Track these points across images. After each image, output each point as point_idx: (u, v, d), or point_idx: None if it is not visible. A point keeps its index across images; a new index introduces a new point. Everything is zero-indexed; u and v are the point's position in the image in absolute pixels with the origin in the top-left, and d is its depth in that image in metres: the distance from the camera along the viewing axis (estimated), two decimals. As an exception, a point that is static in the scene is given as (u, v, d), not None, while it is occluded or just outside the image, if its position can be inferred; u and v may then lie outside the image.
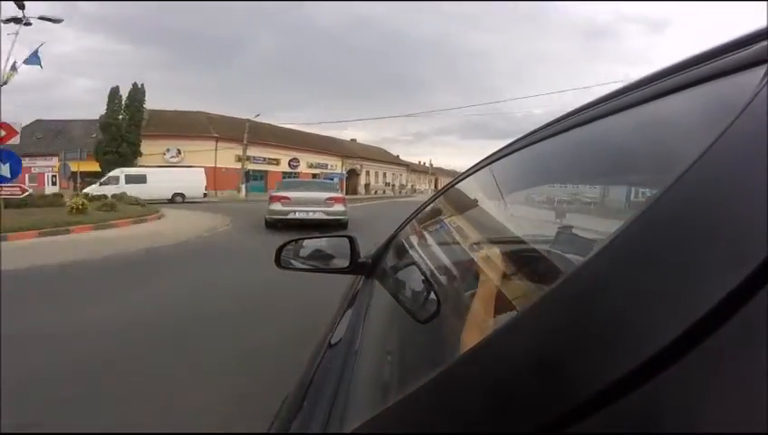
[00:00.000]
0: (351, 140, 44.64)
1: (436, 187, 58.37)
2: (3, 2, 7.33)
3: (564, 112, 0.63)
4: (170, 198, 20.43)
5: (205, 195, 21.96)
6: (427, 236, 1.23)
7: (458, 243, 0.95)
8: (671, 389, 0.17)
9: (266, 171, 31.42)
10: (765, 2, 0.45)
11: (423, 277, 0.80)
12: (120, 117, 25.48)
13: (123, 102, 25.92)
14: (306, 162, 34.00)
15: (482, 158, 0.97)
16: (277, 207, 9.21)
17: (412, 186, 53.08)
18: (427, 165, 59.34)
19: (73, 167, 16.01)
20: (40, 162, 23.46)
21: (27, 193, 10.32)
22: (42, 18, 10.57)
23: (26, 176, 18.10)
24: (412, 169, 54.14)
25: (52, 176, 22.96)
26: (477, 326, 0.53)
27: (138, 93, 26.49)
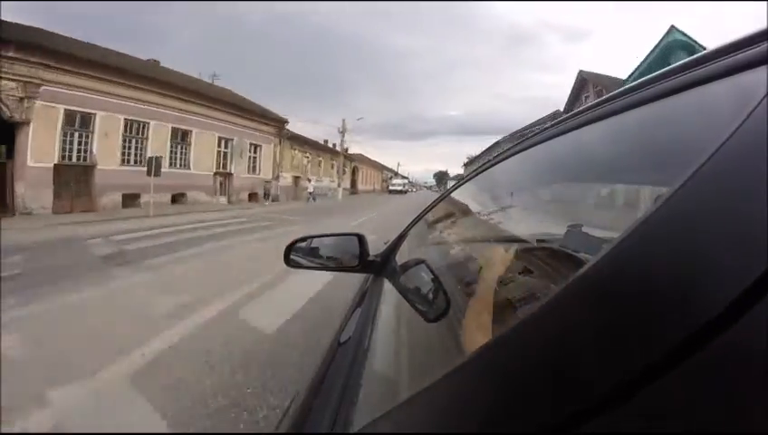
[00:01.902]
0: (151, 60, 16.63)
1: (354, 180, 36.28)
2: (2, 1, 6.86)
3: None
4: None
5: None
6: (437, 234, 1.22)
7: (467, 241, 0.94)
8: (678, 389, 0.17)
9: None
10: (765, 2, 0.44)
11: (432, 276, 0.79)
12: None
13: None
14: None
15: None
16: None
17: (294, 179, 22.93)
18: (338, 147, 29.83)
19: None
20: None
21: None
22: None
23: None
24: (303, 143, 24.73)
25: None
26: (486, 326, 0.52)
27: None
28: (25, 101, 9.38)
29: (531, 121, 21.04)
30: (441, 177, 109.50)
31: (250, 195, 18.20)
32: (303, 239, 1.27)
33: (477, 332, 0.52)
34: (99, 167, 11.51)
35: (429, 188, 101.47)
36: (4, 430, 1.64)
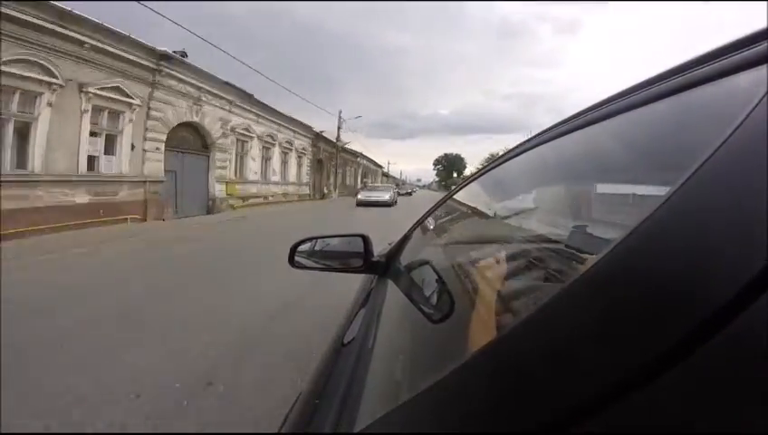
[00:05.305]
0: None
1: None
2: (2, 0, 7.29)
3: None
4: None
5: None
6: (441, 235, 1.21)
7: (472, 241, 0.94)
8: (678, 386, 0.18)
9: None
10: (765, 1, 0.44)
11: (437, 277, 0.79)
12: None
13: None
14: None
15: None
16: None
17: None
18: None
19: None
20: None
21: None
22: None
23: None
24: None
25: None
26: (490, 327, 0.52)
27: None
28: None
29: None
30: (453, 163, 79.46)
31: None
32: (308, 240, 1.27)
33: (482, 333, 0.52)
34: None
35: (425, 187, 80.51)
36: (3, 431, 1.65)
